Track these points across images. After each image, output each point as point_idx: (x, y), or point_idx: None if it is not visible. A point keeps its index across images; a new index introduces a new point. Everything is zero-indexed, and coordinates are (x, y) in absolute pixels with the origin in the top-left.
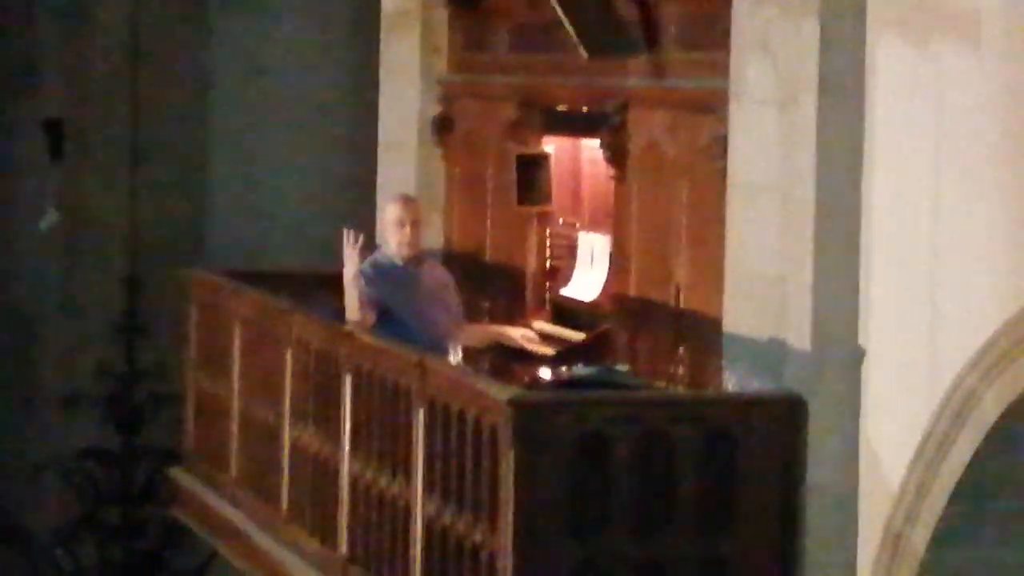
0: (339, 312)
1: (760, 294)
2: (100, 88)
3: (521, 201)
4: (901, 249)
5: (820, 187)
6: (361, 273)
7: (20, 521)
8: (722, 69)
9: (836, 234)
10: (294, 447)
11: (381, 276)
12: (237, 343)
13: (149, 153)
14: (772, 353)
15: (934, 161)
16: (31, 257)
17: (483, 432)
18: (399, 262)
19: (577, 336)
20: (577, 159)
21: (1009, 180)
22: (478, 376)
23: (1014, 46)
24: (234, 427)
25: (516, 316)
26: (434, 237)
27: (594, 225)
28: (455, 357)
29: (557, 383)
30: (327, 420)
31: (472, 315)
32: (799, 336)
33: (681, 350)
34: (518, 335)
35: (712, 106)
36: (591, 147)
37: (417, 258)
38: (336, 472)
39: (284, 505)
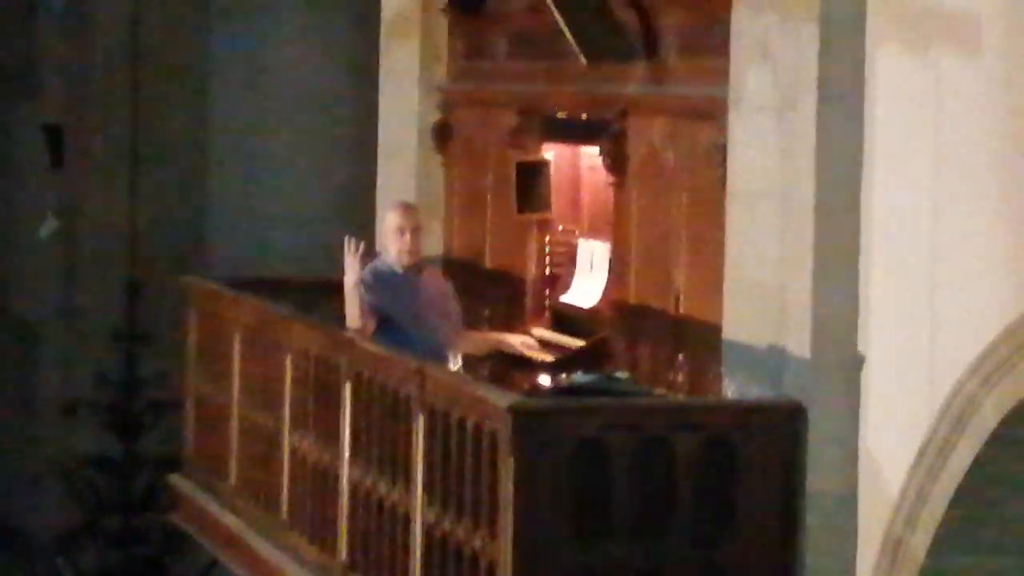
0: (339, 319)
1: (759, 301)
2: (100, 93)
3: (521, 208)
4: (900, 255)
5: (819, 194)
6: (361, 281)
7: (20, 528)
8: (722, 76)
9: (835, 241)
10: (294, 454)
11: (381, 283)
12: (237, 350)
13: (149, 158)
14: (771, 360)
15: (933, 167)
16: (31, 263)
17: (483, 439)
18: (399, 269)
19: (576, 343)
20: (577, 166)
21: (1008, 186)
22: (478, 383)
23: (1013, 51)
24: (234, 434)
25: (516, 323)
26: (434, 244)
27: (593, 232)
28: (455, 364)
29: (557, 390)
30: (327, 427)
31: (472, 322)
32: (798, 343)
33: (680, 357)
34: (518, 342)
35: (711, 113)
36: (591, 154)
37: (417, 266)
38: (336, 479)
39: (284, 512)
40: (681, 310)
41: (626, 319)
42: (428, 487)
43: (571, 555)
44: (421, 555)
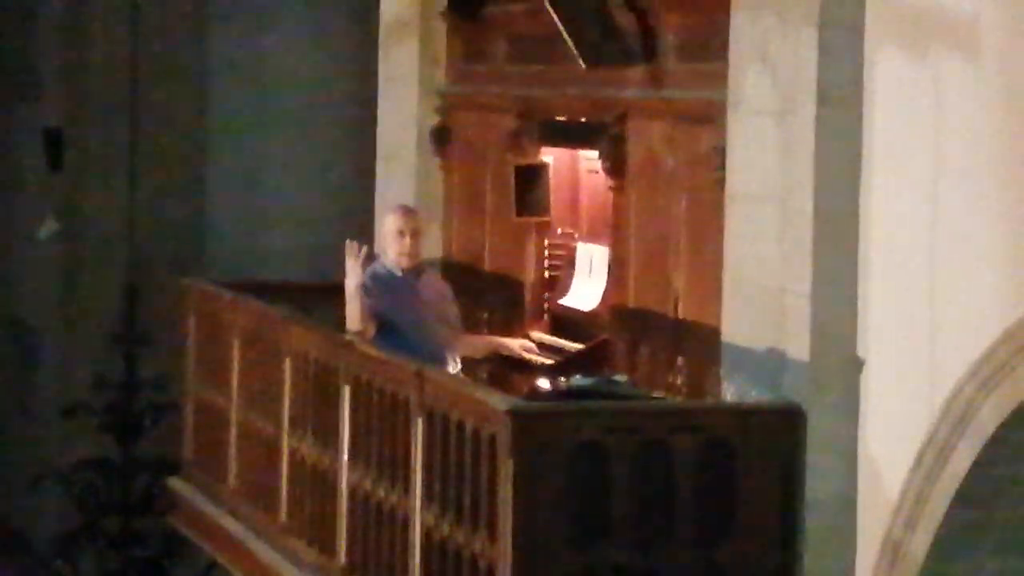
0: (338, 322)
1: (759, 304)
2: (99, 97)
3: (520, 211)
4: (899, 259)
5: (819, 197)
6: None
7: (19, 530)
8: (720, 80)
9: (834, 244)
10: (293, 457)
11: (380, 286)
12: (236, 353)
13: (148, 161)
14: (771, 363)
15: (932, 170)
16: (30, 266)
17: (482, 442)
18: (398, 272)
19: (576, 346)
20: (575, 169)
21: (1007, 189)
22: (477, 386)
23: (1012, 55)
24: (233, 437)
25: (515, 326)
26: (433, 247)
27: (592, 235)
28: (454, 367)
29: (556, 393)
30: (326, 430)
31: (471, 325)
32: (798, 346)
33: (680, 360)
34: (517, 345)
35: (710, 116)
36: (589, 157)
37: (416, 269)
38: (335, 482)
39: (283, 515)
40: (680, 313)
41: (625, 322)
42: (427, 490)
43: (570, 557)
44: (420, 558)
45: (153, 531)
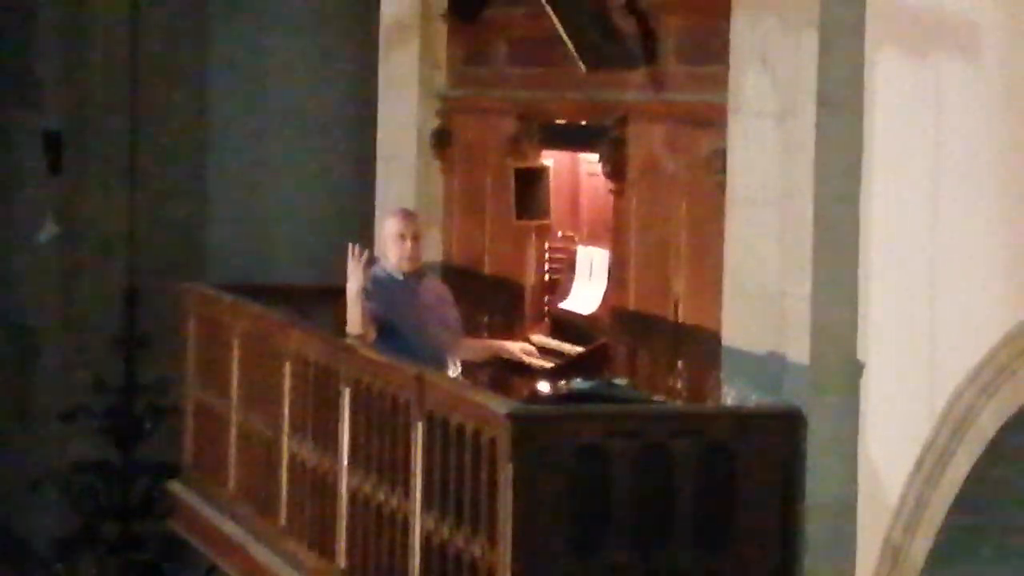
0: (338, 325)
1: (759, 308)
2: (99, 100)
3: (520, 215)
4: (900, 262)
5: (819, 200)
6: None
7: (18, 534)
8: (721, 82)
9: (835, 247)
10: (293, 460)
11: (381, 290)
12: (236, 357)
13: (148, 164)
14: (771, 367)
15: (933, 173)
16: (30, 270)
17: (482, 446)
18: (399, 276)
19: (576, 349)
20: (576, 173)
21: (1008, 192)
22: (477, 390)
23: (1013, 57)
24: (233, 440)
25: (515, 330)
26: (433, 250)
27: (593, 239)
28: (454, 371)
29: (556, 397)
30: (326, 434)
31: (471, 329)
32: (798, 350)
33: (680, 364)
34: (517, 349)
35: (711, 119)
36: (590, 161)
37: (417, 272)
38: (335, 485)
39: (283, 518)
40: (680, 316)
41: (625, 325)
42: (427, 493)
43: (570, 560)
44: (420, 561)
45: (153, 535)
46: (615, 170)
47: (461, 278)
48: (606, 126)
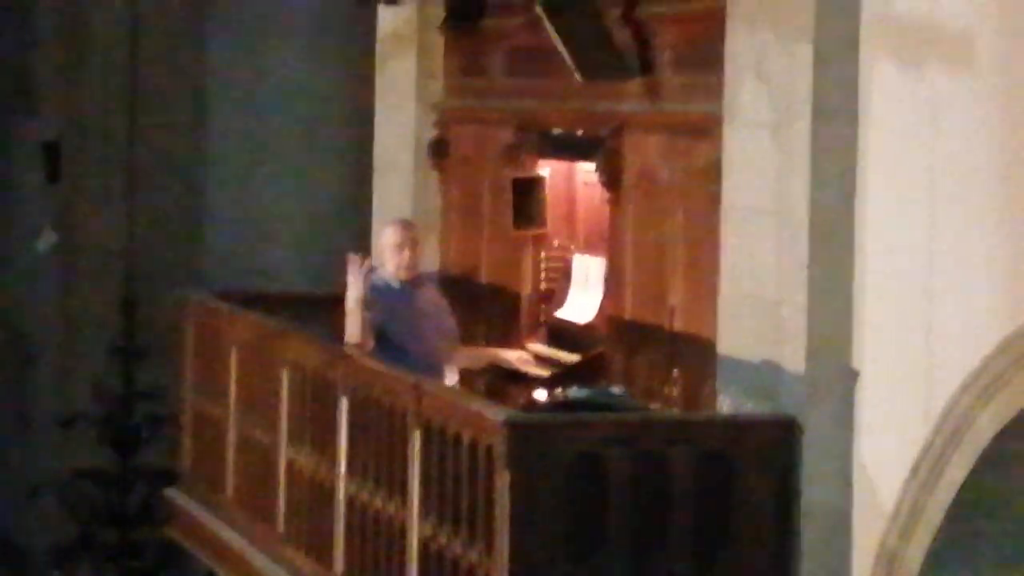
0: (336, 334)
1: (754, 316)
2: (98, 110)
3: (516, 224)
4: (895, 270)
5: (814, 210)
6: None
7: (17, 541)
8: (716, 93)
9: (830, 256)
10: (290, 468)
11: (379, 299)
12: (234, 364)
13: (146, 175)
14: (766, 375)
15: (928, 183)
16: (29, 278)
17: (479, 453)
18: (396, 285)
19: (572, 358)
20: (572, 182)
21: (1004, 201)
22: (473, 398)
23: (1007, 68)
24: (231, 448)
25: (511, 338)
26: (429, 260)
27: (589, 248)
28: (451, 379)
29: (552, 405)
30: (323, 441)
31: (467, 337)
32: (793, 358)
33: (676, 372)
34: (513, 357)
35: (706, 130)
36: (586, 170)
37: (414, 281)
38: (332, 493)
39: (280, 525)
40: (676, 325)
41: (621, 334)
42: (424, 501)
43: (567, 568)
44: (417, 569)
45: (151, 542)
46: (611, 180)
47: (458, 287)
48: (602, 136)
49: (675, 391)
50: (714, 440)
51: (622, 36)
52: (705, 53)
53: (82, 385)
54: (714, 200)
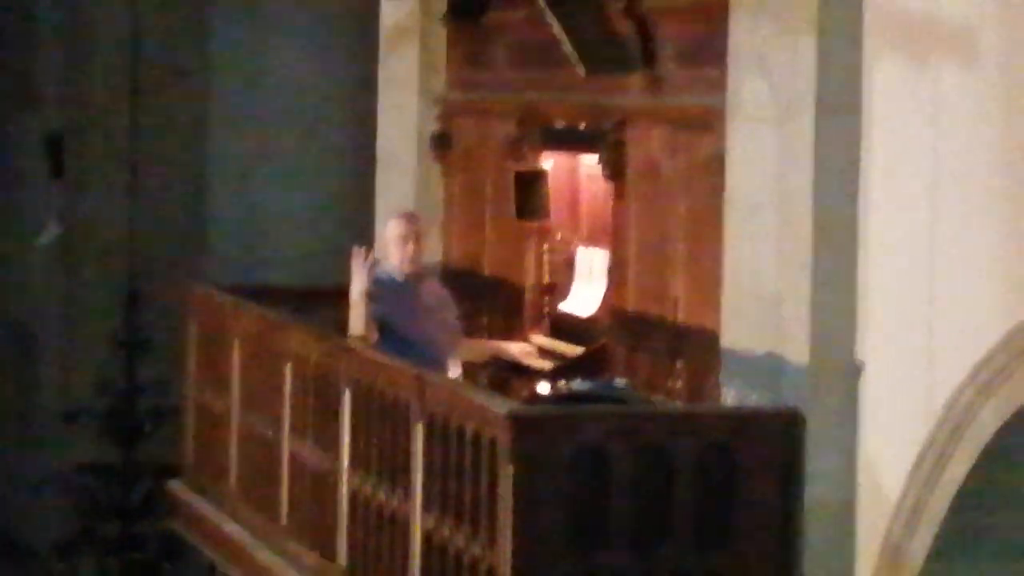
0: (339, 326)
1: (758, 309)
2: (100, 104)
3: (519, 217)
4: (898, 264)
5: (817, 204)
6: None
7: (19, 535)
8: (719, 86)
9: (833, 249)
10: (293, 461)
11: (382, 292)
12: (236, 357)
13: (149, 166)
14: (770, 367)
15: (931, 177)
16: (31, 271)
17: (482, 446)
18: (400, 278)
19: (575, 351)
20: (575, 175)
21: (1006, 196)
22: (477, 390)
23: (1011, 63)
24: (233, 441)
25: (514, 331)
26: (433, 252)
27: (592, 240)
28: (454, 372)
29: (556, 397)
30: (326, 434)
31: (471, 330)
32: (797, 351)
33: (679, 365)
34: (516, 350)
35: (709, 123)
36: (589, 163)
37: (418, 274)
38: (335, 486)
39: (283, 518)
40: (679, 318)
41: (624, 327)
42: (427, 494)
43: (570, 561)
44: (420, 561)
45: (153, 535)
46: (614, 172)
47: (461, 280)
48: (605, 129)
49: (678, 384)
50: (717, 433)
51: (625, 29)
52: (708, 47)
53: (85, 379)
54: (717, 193)
